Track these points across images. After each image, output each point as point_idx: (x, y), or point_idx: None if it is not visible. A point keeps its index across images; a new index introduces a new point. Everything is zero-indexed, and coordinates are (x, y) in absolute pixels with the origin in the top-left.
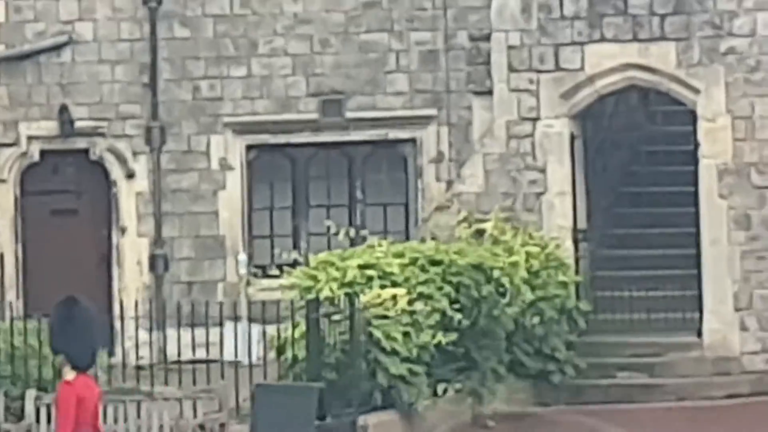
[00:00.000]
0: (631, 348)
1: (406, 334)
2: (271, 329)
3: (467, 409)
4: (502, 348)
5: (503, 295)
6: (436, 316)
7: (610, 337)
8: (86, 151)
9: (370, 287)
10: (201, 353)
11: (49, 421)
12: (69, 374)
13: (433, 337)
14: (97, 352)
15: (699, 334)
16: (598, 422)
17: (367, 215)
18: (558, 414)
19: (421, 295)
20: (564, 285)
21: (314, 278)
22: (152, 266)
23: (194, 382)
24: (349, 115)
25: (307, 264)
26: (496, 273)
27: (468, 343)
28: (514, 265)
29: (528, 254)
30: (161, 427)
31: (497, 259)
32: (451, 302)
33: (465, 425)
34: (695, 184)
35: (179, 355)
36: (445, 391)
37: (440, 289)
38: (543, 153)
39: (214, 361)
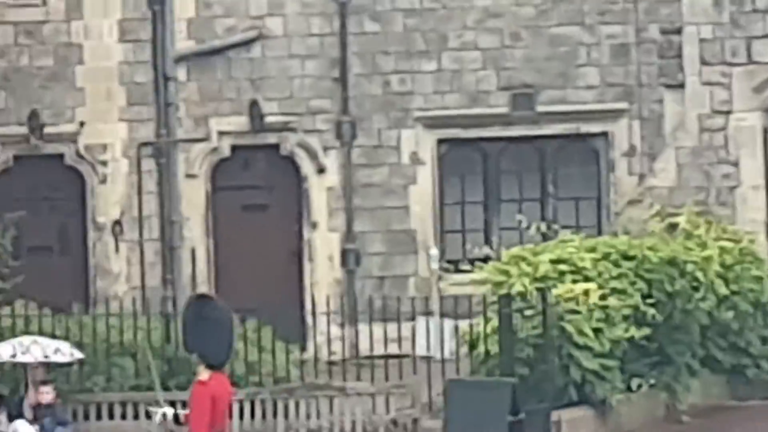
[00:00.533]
0: None
1: (598, 329)
2: (463, 324)
3: (661, 404)
4: (695, 342)
5: (697, 289)
6: (629, 311)
7: None
8: (277, 147)
9: (563, 282)
10: (393, 348)
11: (241, 417)
12: (203, 373)
13: (626, 331)
14: (232, 350)
15: None
16: None
17: (558, 209)
18: (753, 409)
19: (613, 290)
20: (758, 279)
21: (506, 273)
22: (344, 261)
23: (386, 378)
24: (540, 109)
25: (498, 259)
26: (689, 267)
27: (661, 337)
28: (708, 259)
29: (721, 249)
30: (353, 422)
31: (690, 254)
32: (644, 297)
33: (658, 420)
34: None
35: (371, 350)
36: (639, 386)
37: (633, 284)
38: (736, 146)
39: (406, 356)
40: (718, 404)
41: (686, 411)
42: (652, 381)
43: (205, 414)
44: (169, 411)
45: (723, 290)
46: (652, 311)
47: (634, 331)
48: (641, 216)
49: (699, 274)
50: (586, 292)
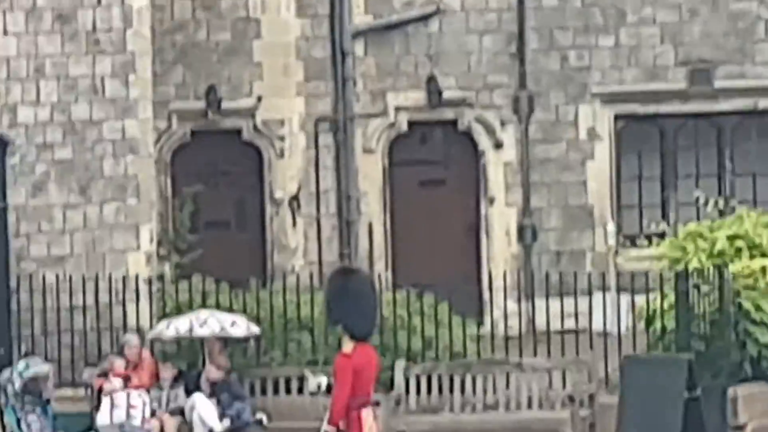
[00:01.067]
0: None
1: None
2: (639, 300)
3: None
4: None
5: None
6: None
7: None
8: (454, 122)
9: (739, 258)
10: (570, 323)
11: (418, 392)
12: (347, 345)
13: None
14: (375, 322)
15: None
16: None
17: (736, 185)
18: None
19: None
20: None
21: (683, 249)
22: (520, 236)
23: (563, 353)
24: (718, 84)
25: (675, 235)
26: None
27: None
28: None
29: None
30: (530, 397)
31: None
32: None
33: None
34: None
35: (548, 325)
36: None
37: None
38: None
39: (583, 331)
40: None
41: None
42: None
43: (345, 385)
44: (323, 380)
45: None
46: None
47: None
48: None
49: None
50: (764, 269)
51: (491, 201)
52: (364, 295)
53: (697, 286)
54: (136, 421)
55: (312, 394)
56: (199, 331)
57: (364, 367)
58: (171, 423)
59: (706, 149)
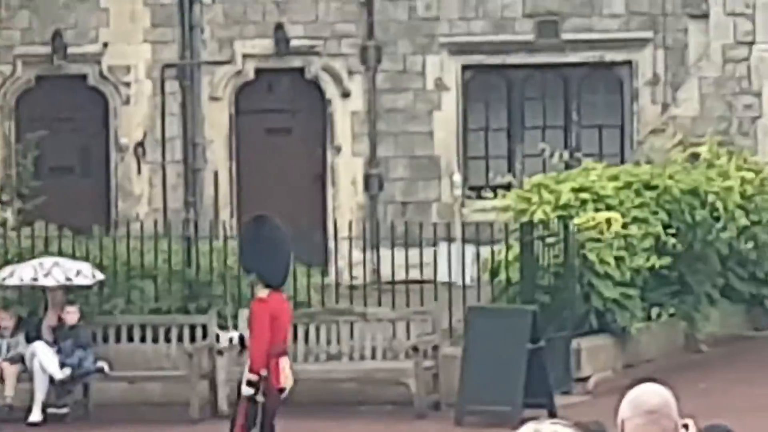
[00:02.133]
0: None
1: (619, 258)
2: (484, 251)
3: (680, 333)
4: (715, 272)
5: (717, 219)
6: (650, 241)
7: None
8: (301, 70)
9: (584, 211)
10: (414, 274)
11: None
12: (262, 292)
13: (647, 261)
14: (289, 269)
15: None
16: None
17: (582, 137)
18: None
19: (635, 220)
20: None
21: (528, 201)
22: (367, 186)
23: (407, 303)
24: (565, 36)
25: (521, 186)
26: (710, 198)
27: (682, 267)
28: (729, 189)
29: (742, 179)
30: (374, 348)
31: (711, 184)
32: (665, 227)
33: (678, 349)
34: None
35: (393, 275)
36: (659, 315)
37: (654, 213)
38: (758, 77)
39: (428, 282)
40: (736, 334)
41: (705, 340)
42: (672, 310)
43: (264, 331)
44: (235, 334)
45: (743, 221)
46: (672, 241)
47: (654, 261)
48: (664, 145)
49: (719, 205)
50: (608, 221)
51: (338, 150)
52: (278, 242)
53: (542, 238)
54: None
55: (220, 352)
56: (44, 281)
57: (280, 314)
58: (11, 371)
59: (552, 101)
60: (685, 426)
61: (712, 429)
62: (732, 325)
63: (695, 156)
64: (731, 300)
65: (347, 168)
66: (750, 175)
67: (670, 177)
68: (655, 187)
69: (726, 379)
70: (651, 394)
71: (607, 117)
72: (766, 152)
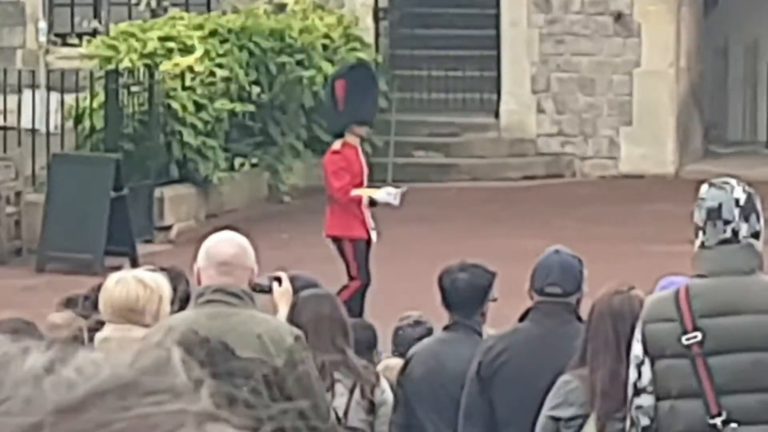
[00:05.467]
0: (428, 127)
1: (201, 106)
2: (69, 98)
3: (263, 183)
4: (300, 124)
5: (303, 66)
6: (234, 88)
7: (408, 116)
8: None
9: (171, 59)
10: None
11: None
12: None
13: (230, 104)
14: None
15: (496, 115)
16: None
17: None
18: None
19: (219, 67)
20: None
21: (114, 48)
22: None
23: None
24: None
25: (107, 34)
26: (295, 43)
27: (265, 117)
28: (311, 29)
29: (328, 27)
30: None
31: (293, 26)
32: (249, 76)
33: (261, 200)
34: None
35: None
36: (242, 165)
37: (238, 61)
38: None
39: (11, 128)
40: (318, 185)
41: (288, 191)
42: (255, 161)
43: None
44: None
45: (329, 71)
46: (257, 89)
47: (236, 105)
48: None
49: (303, 56)
50: (191, 68)
51: None
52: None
53: (127, 86)
54: None
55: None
56: None
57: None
58: None
59: None
60: (278, 279)
61: (296, 278)
62: (316, 176)
63: (282, 7)
64: (315, 151)
65: None
66: (332, 21)
67: (255, 24)
68: (239, 35)
69: (307, 231)
70: (225, 244)
71: None
72: (353, 8)
